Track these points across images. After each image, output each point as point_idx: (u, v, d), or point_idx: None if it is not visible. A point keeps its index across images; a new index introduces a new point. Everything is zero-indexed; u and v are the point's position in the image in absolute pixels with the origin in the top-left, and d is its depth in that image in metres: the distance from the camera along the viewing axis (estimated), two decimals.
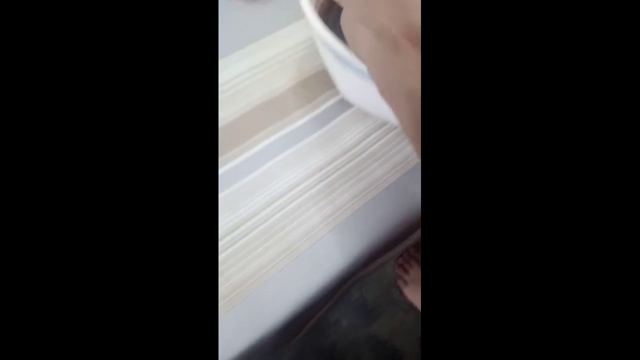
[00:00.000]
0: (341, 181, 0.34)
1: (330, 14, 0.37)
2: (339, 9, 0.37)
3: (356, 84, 0.28)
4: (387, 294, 1.05)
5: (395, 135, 0.36)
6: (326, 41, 0.26)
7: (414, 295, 1.01)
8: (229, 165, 0.34)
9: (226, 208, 0.32)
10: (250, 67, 0.40)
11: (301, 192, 0.33)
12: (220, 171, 0.34)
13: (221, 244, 0.30)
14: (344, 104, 0.38)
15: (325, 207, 0.33)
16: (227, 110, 0.37)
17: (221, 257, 0.30)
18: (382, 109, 0.31)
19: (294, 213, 0.32)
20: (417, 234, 0.40)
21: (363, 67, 0.25)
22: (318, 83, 0.39)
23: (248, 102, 0.38)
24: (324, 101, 0.38)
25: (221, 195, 0.33)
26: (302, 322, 0.33)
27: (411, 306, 1.03)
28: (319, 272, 0.30)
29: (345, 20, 0.18)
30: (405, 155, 0.35)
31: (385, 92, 0.16)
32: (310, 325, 0.41)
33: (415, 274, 1.02)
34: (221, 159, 0.35)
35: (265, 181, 0.34)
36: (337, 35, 0.26)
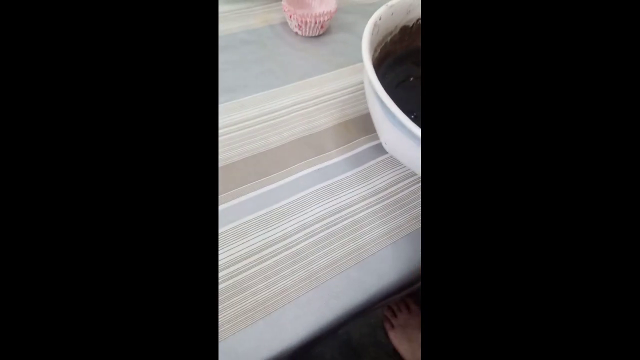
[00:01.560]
0: (367, 221, 0.36)
1: (383, 64, 0.40)
2: (392, 61, 0.41)
3: (394, 134, 0.31)
4: (372, 334, 1.05)
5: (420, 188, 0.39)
6: (375, 89, 0.29)
7: (397, 340, 1.01)
8: (267, 187, 0.37)
9: (259, 228, 0.34)
10: (296, 102, 0.43)
11: (329, 225, 0.36)
12: (259, 192, 0.36)
13: (250, 260, 0.32)
14: (380, 150, 0.41)
15: (348, 243, 0.35)
16: (271, 138, 0.40)
17: (250, 272, 0.32)
18: (413, 161, 0.34)
19: (320, 244, 0.34)
20: (417, 286, 0.42)
21: (403, 119, 0.27)
22: (357, 127, 0.42)
23: (290, 133, 0.41)
24: (361, 144, 0.41)
25: (255, 215, 0.35)
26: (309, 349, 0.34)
27: (394, 351, 1.02)
28: (335, 304, 0.32)
29: None
30: None
31: None
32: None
33: (403, 319, 1.02)
34: (261, 180, 0.37)
35: (297, 209, 0.36)
36: (385, 86, 0.29)
